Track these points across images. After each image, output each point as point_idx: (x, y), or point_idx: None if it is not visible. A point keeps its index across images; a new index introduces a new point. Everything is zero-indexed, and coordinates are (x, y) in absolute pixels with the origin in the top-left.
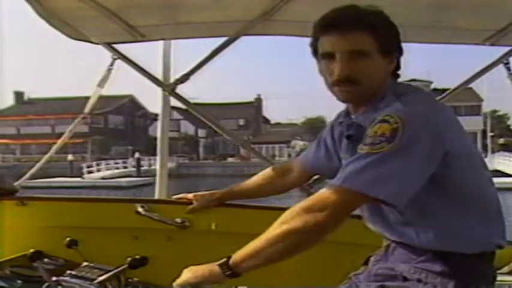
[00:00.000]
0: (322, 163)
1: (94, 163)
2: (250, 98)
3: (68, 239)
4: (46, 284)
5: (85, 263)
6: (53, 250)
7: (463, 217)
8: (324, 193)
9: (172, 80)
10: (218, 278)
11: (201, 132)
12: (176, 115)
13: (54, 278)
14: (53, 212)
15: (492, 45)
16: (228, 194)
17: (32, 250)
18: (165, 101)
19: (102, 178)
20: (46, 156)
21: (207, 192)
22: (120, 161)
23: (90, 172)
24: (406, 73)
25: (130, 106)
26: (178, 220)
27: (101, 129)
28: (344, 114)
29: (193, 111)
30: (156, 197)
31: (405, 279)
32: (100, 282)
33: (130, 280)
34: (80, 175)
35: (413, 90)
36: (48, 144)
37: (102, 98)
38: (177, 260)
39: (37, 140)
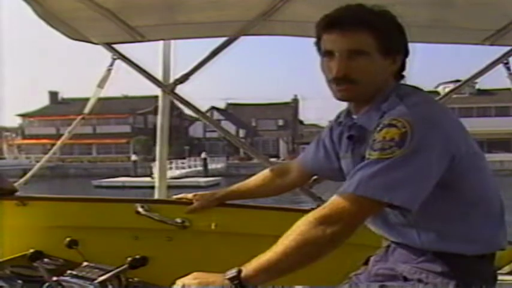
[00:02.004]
0: (321, 164)
1: (153, 164)
2: (287, 98)
3: (68, 239)
4: (46, 284)
5: (85, 263)
6: (53, 250)
7: (465, 219)
8: (337, 201)
9: (172, 80)
10: None
11: (242, 133)
12: (217, 115)
13: (54, 278)
14: (53, 212)
15: (492, 45)
16: (228, 194)
17: (32, 250)
18: (165, 101)
19: (172, 178)
20: (46, 156)
21: (207, 192)
22: (178, 161)
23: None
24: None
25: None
26: (178, 220)
27: (142, 129)
28: (345, 115)
29: (193, 111)
30: (156, 197)
31: (405, 279)
32: (100, 282)
33: (130, 280)
34: (149, 175)
35: (415, 91)
36: (90, 144)
37: (141, 98)
38: (177, 260)
39: (78, 140)
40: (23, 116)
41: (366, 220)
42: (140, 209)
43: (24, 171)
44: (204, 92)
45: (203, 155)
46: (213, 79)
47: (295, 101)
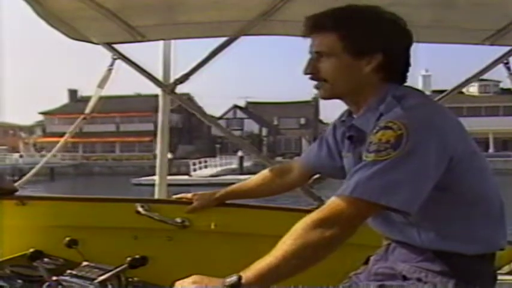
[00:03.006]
0: (324, 162)
1: (197, 161)
2: (308, 97)
3: (68, 238)
4: (46, 284)
5: (85, 263)
6: (53, 250)
7: (465, 218)
8: (334, 203)
9: (172, 80)
10: None
11: (264, 131)
12: (240, 114)
13: (54, 278)
14: (53, 211)
15: (492, 45)
16: (228, 194)
17: (32, 250)
18: (165, 101)
19: (211, 176)
20: (47, 156)
21: (207, 192)
22: (207, 159)
23: (194, 170)
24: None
25: (187, 105)
26: (178, 220)
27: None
28: (347, 114)
29: (193, 112)
30: (156, 196)
31: (405, 278)
32: (100, 282)
33: (130, 280)
34: (187, 173)
35: (413, 92)
36: (113, 142)
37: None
38: (177, 259)
39: (101, 138)
40: (44, 114)
41: (363, 222)
42: (140, 209)
43: (52, 169)
44: (223, 91)
45: (240, 153)
46: (231, 78)
47: (316, 99)
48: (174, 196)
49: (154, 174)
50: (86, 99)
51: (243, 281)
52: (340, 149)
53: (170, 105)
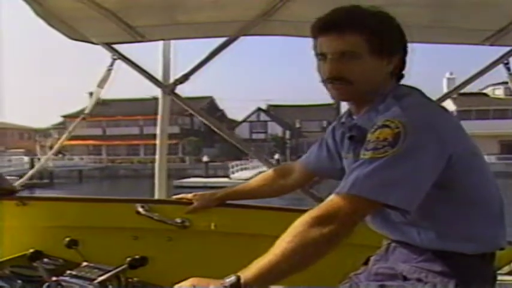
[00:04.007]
0: (323, 164)
1: (234, 163)
2: (329, 100)
3: (68, 239)
4: (46, 284)
5: (85, 263)
6: (52, 250)
7: (465, 218)
8: (333, 201)
9: (172, 80)
10: None
11: (288, 134)
12: (263, 116)
13: (54, 278)
14: (53, 212)
15: (492, 45)
16: (229, 195)
17: (31, 250)
18: (165, 102)
19: (251, 178)
20: (46, 156)
21: (207, 192)
22: (247, 161)
23: (233, 172)
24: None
25: (209, 108)
26: (178, 220)
27: (189, 130)
28: (346, 115)
29: (193, 112)
30: (156, 197)
31: (405, 278)
32: (100, 282)
33: (130, 280)
34: (226, 175)
35: (413, 92)
36: (137, 145)
37: (184, 99)
38: (177, 260)
39: (125, 141)
40: (66, 117)
41: (362, 220)
42: (140, 209)
43: (80, 172)
44: (244, 93)
45: (276, 156)
46: (252, 81)
47: (337, 102)
48: (174, 196)
49: (181, 177)
50: (108, 102)
51: (242, 281)
52: (340, 150)
53: (170, 105)
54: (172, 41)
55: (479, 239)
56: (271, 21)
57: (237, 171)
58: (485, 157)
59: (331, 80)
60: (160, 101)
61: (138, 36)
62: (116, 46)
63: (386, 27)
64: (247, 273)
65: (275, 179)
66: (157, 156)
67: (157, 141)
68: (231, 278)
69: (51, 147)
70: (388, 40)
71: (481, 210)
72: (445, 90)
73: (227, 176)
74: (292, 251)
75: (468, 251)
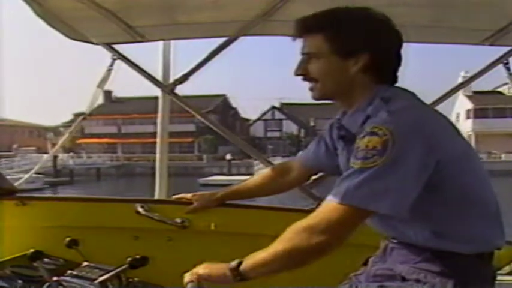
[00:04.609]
0: (321, 161)
1: (255, 162)
2: None
3: (68, 239)
4: (47, 284)
5: (85, 263)
6: (53, 250)
7: (460, 218)
8: (325, 210)
9: (172, 80)
10: (229, 281)
11: (303, 132)
12: (278, 115)
13: (54, 278)
14: (53, 212)
15: (492, 45)
16: (228, 194)
17: (32, 250)
18: (165, 102)
19: None
20: (47, 156)
21: (207, 192)
22: (270, 159)
23: (258, 170)
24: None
25: (223, 106)
26: (178, 220)
27: (204, 128)
28: (341, 114)
29: (193, 112)
30: (156, 197)
31: (404, 279)
32: (100, 282)
33: (130, 280)
34: (251, 173)
35: (402, 94)
36: (153, 143)
37: (199, 98)
38: (177, 259)
39: (141, 139)
40: (76, 115)
41: (353, 230)
42: (140, 209)
43: (98, 169)
44: (258, 92)
45: (300, 153)
46: (264, 79)
47: None
48: (174, 196)
49: (200, 176)
50: (122, 100)
51: (241, 267)
52: (336, 147)
53: (170, 105)
54: (172, 41)
55: (476, 239)
56: (271, 21)
57: (262, 168)
58: (503, 155)
59: (304, 79)
60: (160, 101)
61: (138, 36)
62: (116, 46)
63: (351, 26)
64: (247, 262)
65: (274, 177)
66: (157, 156)
67: (158, 141)
68: (236, 261)
69: (62, 146)
70: (351, 39)
71: (476, 210)
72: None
73: (251, 174)
74: (282, 253)
75: (466, 251)
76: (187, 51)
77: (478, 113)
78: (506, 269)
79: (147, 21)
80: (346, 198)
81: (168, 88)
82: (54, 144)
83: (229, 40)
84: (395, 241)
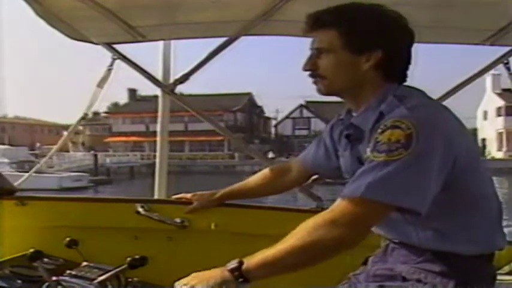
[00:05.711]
0: (321, 162)
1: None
2: None
3: (68, 238)
4: (46, 284)
5: (85, 263)
6: (52, 250)
7: (464, 219)
8: (346, 204)
9: (172, 80)
10: (230, 285)
11: None
12: (306, 113)
13: (54, 278)
14: (53, 212)
15: (492, 45)
16: (228, 194)
17: (31, 250)
18: (165, 102)
19: None
20: (49, 155)
21: (206, 192)
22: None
23: None
24: None
25: (249, 104)
26: (178, 220)
27: (232, 126)
28: (345, 113)
29: (193, 112)
30: (156, 196)
31: (404, 279)
32: (100, 282)
33: (130, 280)
34: None
35: (415, 93)
36: (182, 141)
37: (227, 96)
38: (177, 259)
39: (170, 137)
40: (107, 113)
41: (376, 224)
42: (140, 209)
43: (131, 168)
44: (283, 91)
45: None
46: (290, 78)
47: None
48: (174, 196)
49: (231, 174)
50: (147, 99)
51: (243, 267)
52: (337, 148)
53: (170, 105)
54: (172, 41)
55: (478, 240)
56: (272, 21)
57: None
58: None
59: (311, 75)
60: (160, 101)
61: (139, 36)
62: (116, 46)
63: (364, 24)
64: (250, 261)
65: (273, 178)
66: (157, 155)
67: (158, 140)
68: (234, 262)
69: (83, 144)
70: (365, 36)
71: (479, 211)
72: (488, 86)
73: None
74: (300, 248)
75: (467, 252)
76: (187, 51)
77: (509, 111)
78: (506, 268)
79: (147, 21)
80: (370, 192)
81: (168, 88)
82: (74, 143)
83: (230, 40)
84: (396, 241)
